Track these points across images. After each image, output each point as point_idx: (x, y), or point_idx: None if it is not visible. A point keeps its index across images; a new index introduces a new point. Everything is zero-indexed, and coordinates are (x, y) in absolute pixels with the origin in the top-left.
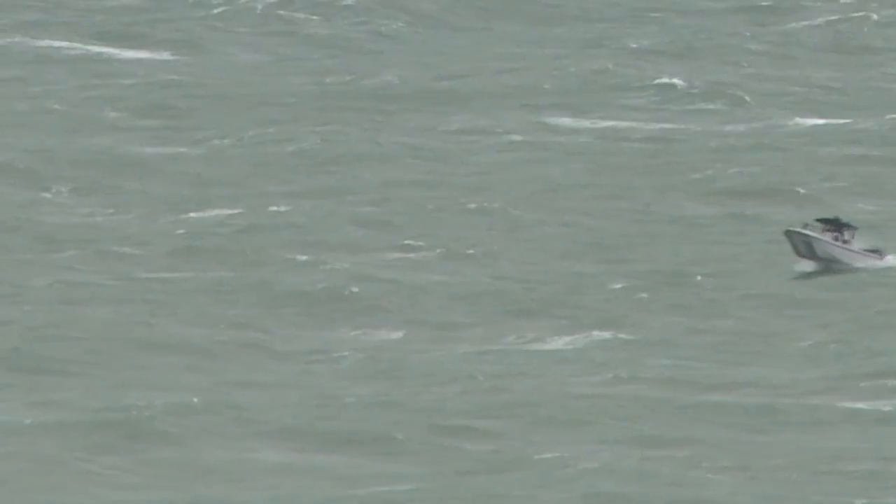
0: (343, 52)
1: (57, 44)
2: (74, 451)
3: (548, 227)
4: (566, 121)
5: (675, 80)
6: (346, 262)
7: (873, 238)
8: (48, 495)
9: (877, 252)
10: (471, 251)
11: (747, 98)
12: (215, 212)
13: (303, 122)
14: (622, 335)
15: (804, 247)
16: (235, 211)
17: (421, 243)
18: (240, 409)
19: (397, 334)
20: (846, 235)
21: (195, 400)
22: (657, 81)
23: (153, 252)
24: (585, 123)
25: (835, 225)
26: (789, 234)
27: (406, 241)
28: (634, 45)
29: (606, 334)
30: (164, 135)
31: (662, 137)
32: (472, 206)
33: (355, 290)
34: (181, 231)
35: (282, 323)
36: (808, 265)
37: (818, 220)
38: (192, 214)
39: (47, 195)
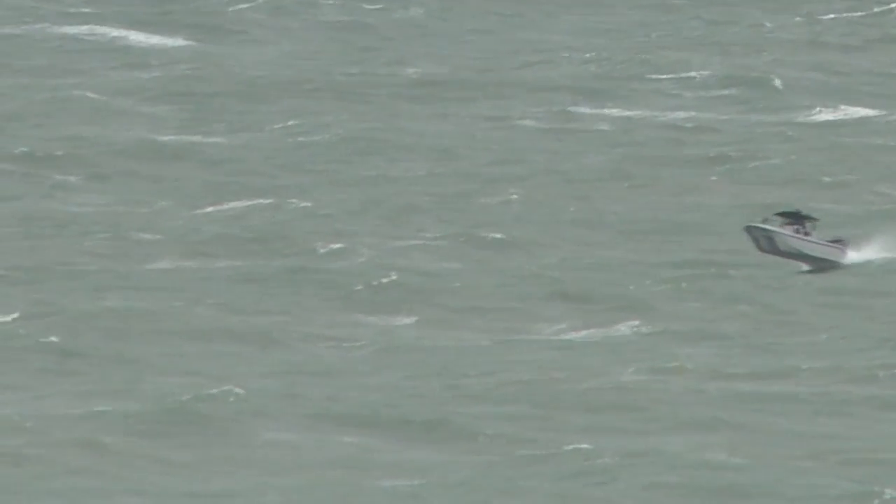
0: (364, 40)
1: (75, 30)
2: (116, 437)
3: (572, 216)
4: (591, 110)
5: (701, 70)
6: (369, 251)
7: (834, 230)
8: (91, 481)
9: (839, 242)
10: (495, 239)
11: (773, 87)
12: (239, 201)
13: (324, 112)
14: (648, 325)
15: (765, 241)
16: (259, 201)
17: (445, 232)
18: (270, 396)
19: (422, 322)
20: (807, 227)
21: (225, 388)
22: (682, 70)
23: (179, 241)
24: (610, 112)
25: (795, 218)
26: (749, 229)
27: (429, 230)
28: (659, 34)
29: (633, 324)
30: (188, 124)
31: (687, 126)
32: (498, 195)
33: (380, 278)
34: (206, 220)
35: (307, 310)
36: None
37: (778, 214)
38: (215, 205)
39: (72, 184)
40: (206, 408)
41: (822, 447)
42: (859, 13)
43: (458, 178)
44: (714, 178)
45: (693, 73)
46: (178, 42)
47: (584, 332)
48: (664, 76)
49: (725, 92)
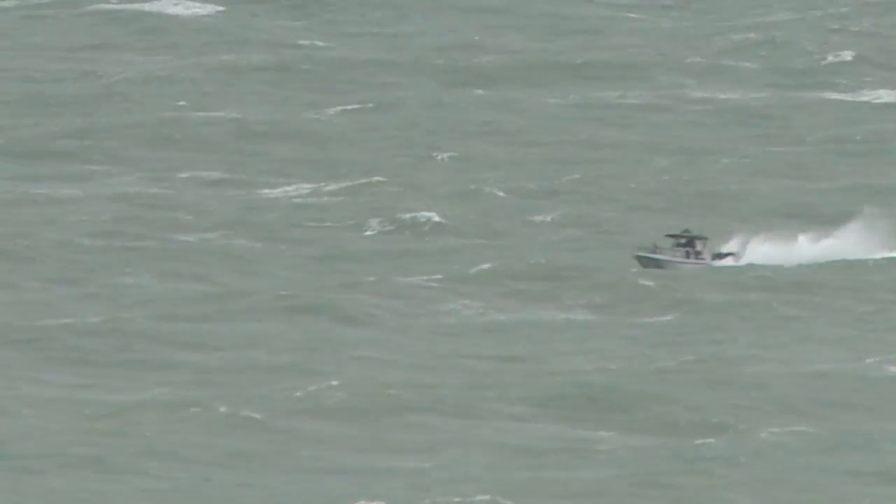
0: (435, 22)
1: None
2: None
3: (658, 192)
4: (662, 90)
5: (777, 50)
6: (437, 232)
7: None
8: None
9: (732, 256)
10: (581, 216)
11: (849, 66)
12: (298, 185)
13: (403, 93)
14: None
15: (654, 266)
16: (347, 181)
17: (536, 213)
18: (370, 370)
19: (495, 301)
20: (699, 246)
21: (329, 368)
22: (757, 52)
23: (262, 220)
24: (691, 93)
25: (685, 239)
26: (640, 259)
27: (517, 211)
28: (723, 16)
29: (744, 296)
30: (271, 102)
31: (774, 105)
32: (584, 173)
33: (469, 258)
34: (286, 200)
35: (389, 288)
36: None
37: (668, 236)
38: (298, 183)
39: (150, 164)
40: (311, 386)
41: None
42: None
43: (536, 159)
44: (807, 157)
45: (768, 53)
46: (254, 19)
47: (641, 318)
48: (737, 61)
49: (798, 72)
